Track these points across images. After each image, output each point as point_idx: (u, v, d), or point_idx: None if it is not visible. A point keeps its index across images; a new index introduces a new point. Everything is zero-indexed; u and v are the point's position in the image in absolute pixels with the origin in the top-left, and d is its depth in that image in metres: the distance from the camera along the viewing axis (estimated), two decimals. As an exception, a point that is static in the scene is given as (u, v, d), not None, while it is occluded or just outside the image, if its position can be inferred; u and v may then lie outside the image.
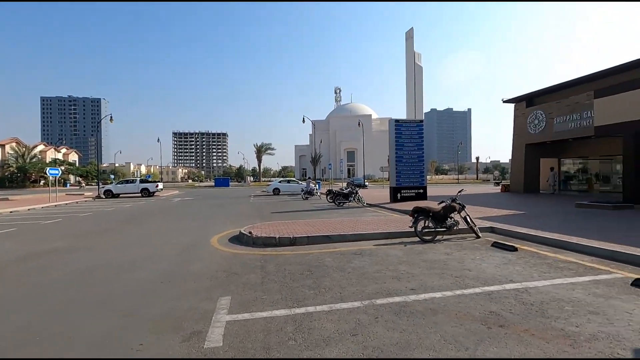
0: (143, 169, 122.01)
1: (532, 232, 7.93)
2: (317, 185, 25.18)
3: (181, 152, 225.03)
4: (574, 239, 6.91)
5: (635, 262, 5.51)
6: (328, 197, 19.00)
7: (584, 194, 21.75)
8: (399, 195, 17.15)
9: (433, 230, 7.74)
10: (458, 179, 66.60)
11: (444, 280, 4.85)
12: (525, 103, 23.57)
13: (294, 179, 41.74)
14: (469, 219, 8.14)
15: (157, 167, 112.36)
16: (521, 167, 23.75)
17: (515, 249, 6.60)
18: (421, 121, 17.92)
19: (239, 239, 8.24)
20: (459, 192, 8.74)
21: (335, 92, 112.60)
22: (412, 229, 7.83)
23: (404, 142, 17.24)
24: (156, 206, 19.39)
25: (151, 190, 28.96)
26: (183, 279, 5.24)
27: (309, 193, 23.53)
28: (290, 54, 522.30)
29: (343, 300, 4.19)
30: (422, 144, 17.55)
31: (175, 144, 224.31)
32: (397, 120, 17.34)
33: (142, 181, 31.09)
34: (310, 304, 4.10)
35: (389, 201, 17.29)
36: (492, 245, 7.09)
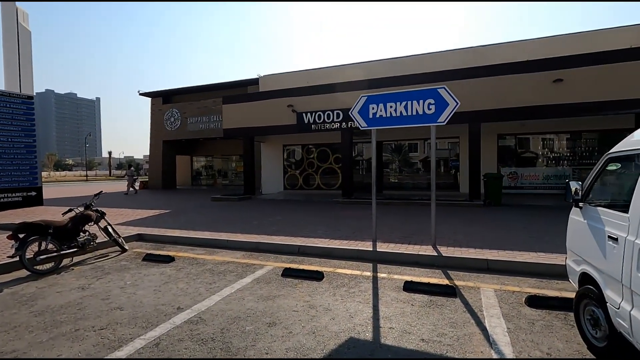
0: None
1: (184, 233, 7.38)
2: None
3: None
4: (224, 235, 7.00)
5: (271, 249, 6.18)
6: None
7: (211, 187, 24.97)
8: (-8, 201, 11.53)
9: (56, 254, 5.24)
10: (87, 176, 57.91)
11: (81, 345, 3.00)
12: (162, 99, 23.65)
13: None
14: (111, 229, 6.30)
15: None
16: (159, 163, 23.67)
17: (172, 259, 5.66)
18: (31, 97, 13.03)
19: None
20: (96, 195, 6.60)
21: None
22: (17, 259, 4.92)
23: (1, 123, 11.79)
24: None
25: None
26: None
27: None
28: None
29: None
30: (33, 129, 12.80)
31: None
32: (-16, 90, 11.51)
33: None
34: None
35: (-29, 212, 11.22)
36: (145, 259, 5.76)
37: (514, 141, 14.07)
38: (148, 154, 25.17)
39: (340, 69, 16.19)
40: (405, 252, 5.42)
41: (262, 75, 18.28)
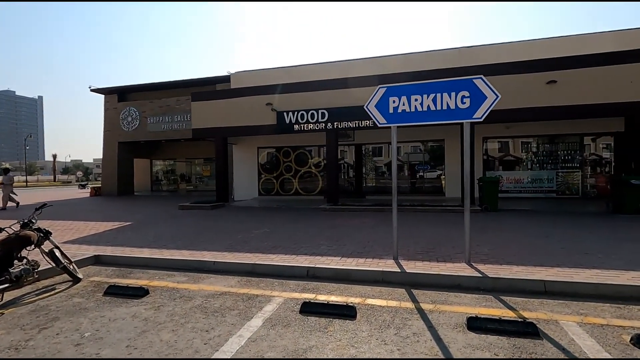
0: None
1: (156, 253, 5.99)
2: None
3: None
4: (208, 255, 5.72)
5: (272, 272, 5.03)
6: None
7: (174, 193, 22.93)
8: None
9: (-23, 294, 3.74)
10: (27, 182, 51.97)
11: None
12: (118, 97, 21.34)
13: None
14: (58, 253, 4.80)
15: None
16: (114, 167, 21.27)
17: (145, 292, 4.32)
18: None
19: None
20: (39, 208, 5.05)
21: None
22: None
23: None
24: None
25: None
26: None
27: None
28: None
29: None
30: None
31: None
32: None
33: None
34: None
35: None
36: (107, 292, 4.36)
37: (499, 144, 13.89)
38: (100, 157, 22.65)
39: (320, 67, 15.24)
40: (441, 272, 4.51)
41: (233, 72, 16.87)
